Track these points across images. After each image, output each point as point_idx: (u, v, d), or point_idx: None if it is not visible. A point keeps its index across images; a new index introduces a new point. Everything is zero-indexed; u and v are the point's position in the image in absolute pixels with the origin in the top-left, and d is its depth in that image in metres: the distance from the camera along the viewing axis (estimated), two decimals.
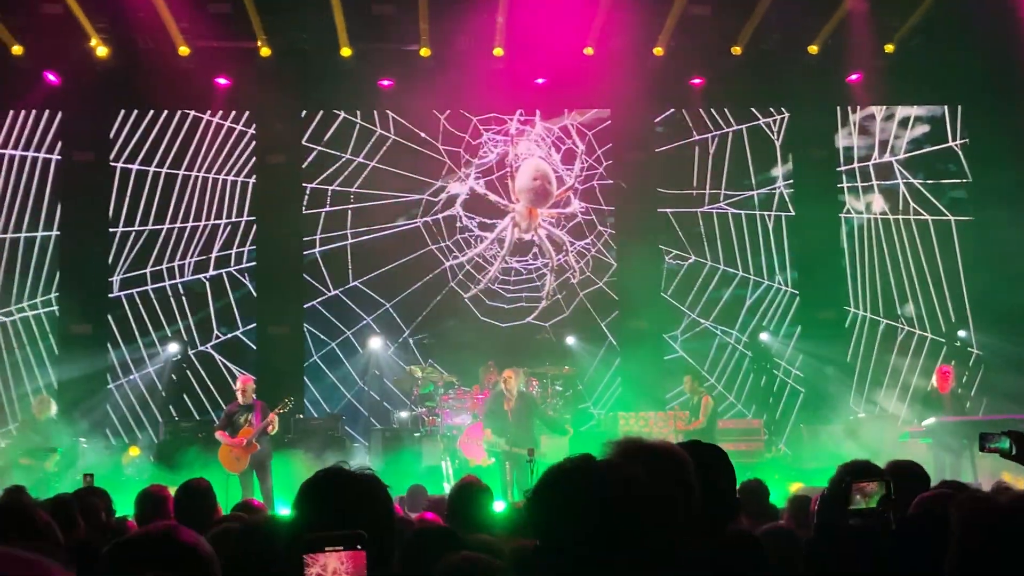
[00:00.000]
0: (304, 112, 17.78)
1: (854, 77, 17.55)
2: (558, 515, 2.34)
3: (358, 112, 17.75)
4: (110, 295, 17.23)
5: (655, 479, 2.39)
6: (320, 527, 2.32)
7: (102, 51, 16.23)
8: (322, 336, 17.51)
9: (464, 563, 3.34)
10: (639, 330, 17.48)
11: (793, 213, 18.09)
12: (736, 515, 3.46)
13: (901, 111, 18.35)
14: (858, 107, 18.25)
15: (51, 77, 16.86)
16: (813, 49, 17.00)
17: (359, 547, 2.24)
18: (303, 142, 17.71)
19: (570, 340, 17.34)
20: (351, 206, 17.72)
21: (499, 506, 7.48)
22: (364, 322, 17.49)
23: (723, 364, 17.68)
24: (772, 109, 18.17)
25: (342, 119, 17.74)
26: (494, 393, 13.92)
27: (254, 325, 17.45)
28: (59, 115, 17.31)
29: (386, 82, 17.34)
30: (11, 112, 17.23)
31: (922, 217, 18.07)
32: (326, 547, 2.24)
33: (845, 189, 18.24)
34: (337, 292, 17.60)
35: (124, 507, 7.46)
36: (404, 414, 16.33)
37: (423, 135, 17.76)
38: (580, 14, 16.17)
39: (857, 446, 14.38)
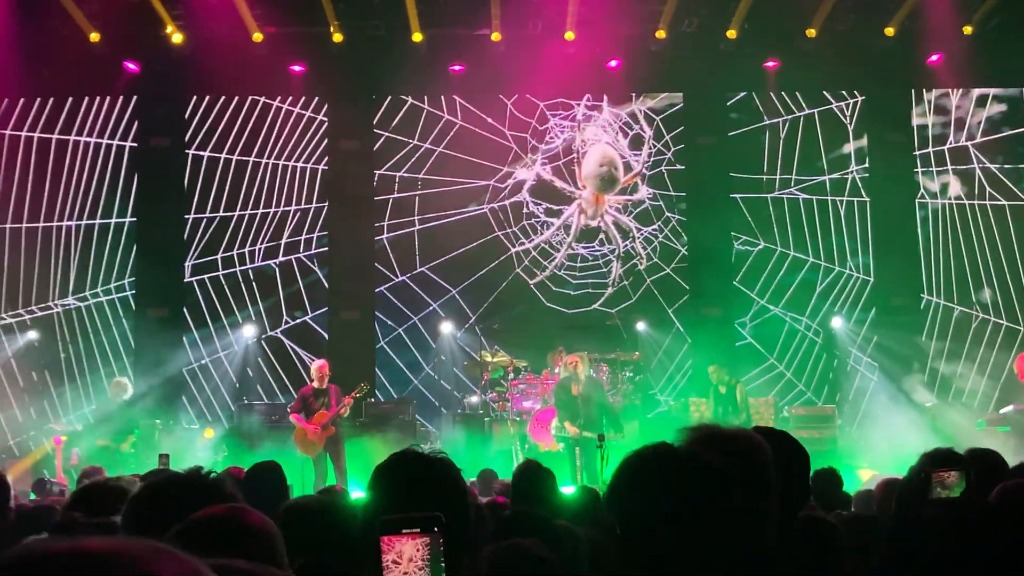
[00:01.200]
0: (374, 96, 17.86)
1: (934, 58, 17.22)
2: (640, 504, 2.32)
3: (426, 97, 17.79)
4: (184, 280, 17.47)
5: (734, 467, 2.37)
6: (394, 509, 2.32)
7: (177, 38, 16.41)
8: (390, 322, 17.61)
9: (515, 551, 3.32)
10: (708, 316, 17.34)
11: (866, 198, 17.84)
12: (807, 502, 3.42)
13: (978, 94, 17.99)
14: (934, 90, 17.93)
15: (131, 66, 17.10)
16: (890, 31, 16.72)
17: (436, 529, 2.24)
18: (373, 128, 17.80)
19: (640, 326, 17.23)
20: (419, 192, 17.78)
21: (568, 490, 7.48)
22: (431, 308, 17.56)
23: (793, 350, 17.50)
24: (845, 92, 17.91)
25: (410, 105, 17.79)
26: (562, 379, 13.92)
27: (324, 310, 17.58)
28: (134, 101, 17.56)
29: (457, 67, 17.36)
30: (86, 98, 17.49)
31: (999, 202, 17.72)
32: (403, 529, 2.24)
33: (920, 173, 17.94)
34: (404, 278, 17.68)
35: None
36: (474, 399, 16.37)
37: (490, 120, 17.76)
38: None
39: (932, 434, 14.19)
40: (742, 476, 2.40)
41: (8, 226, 17.28)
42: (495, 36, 16.52)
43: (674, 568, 2.28)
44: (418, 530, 2.24)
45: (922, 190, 17.92)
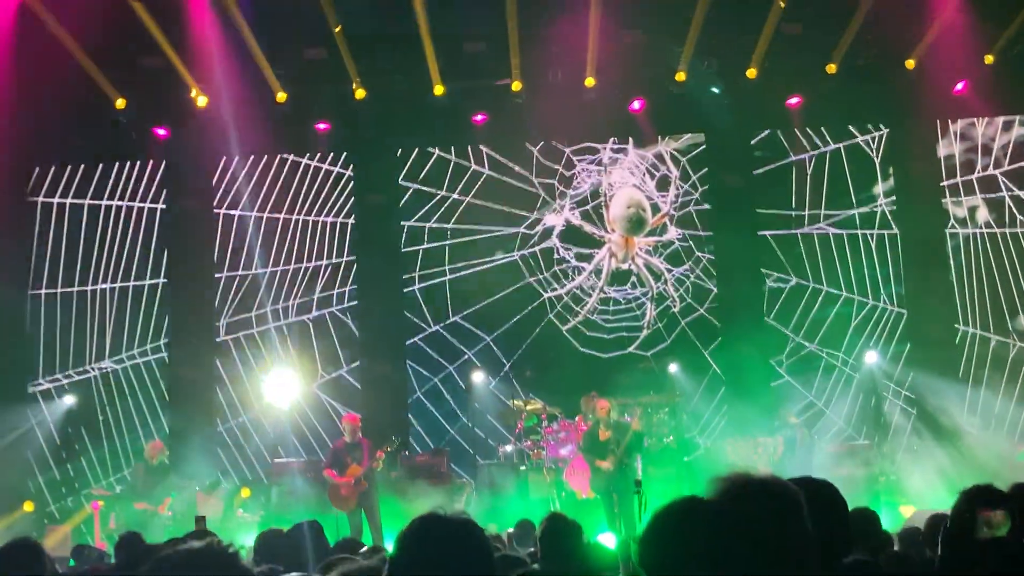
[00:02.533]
0: (400, 151, 17.98)
1: (959, 87, 17.15)
2: (673, 561, 2.30)
3: (452, 148, 17.90)
4: (217, 339, 17.56)
5: (765, 518, 2.34)
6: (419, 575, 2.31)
7: (202, 100, 16.59)
8: (425, 372, 17.61)
9: None
10: (743, 356, 17.19)
11: (896, 230, 17.74)
12: (850, 548, 3.36)
13: (1003, 120, 17.89)
14: (959, 119, 17.84)
15: (160, 131, 17.32)
16: (910, 63, 16.70)
17: None
18: (400, 181, 17.91)
19: (672, 368, 17.13)
20: (448, 242, 17.83)
21: (610, 539, 7.43)
22: (465, 357, 17.56)
23: (831, 387, 17.33)
24: (870, 126, 17.86)
25: (437, 156, 17.90)
26: (588, 430, 13.94)
27: (358, 364, 17.61)
28: (163, 164, 17.75)
29: (479, 117, 17.48)
30: (116, 163, 17.70)
31: None
32: None
33: (949, 204, 17.82)
34: (438, 328, 17.70)
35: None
36: (509, 448, 16.30)
37: (517, 168, 17.82)
38: (671, 40, 16.22)
39: (972, 467, 14.01)
40: (775, 525, 2.37)
41: (43, 291, 17.46)
42: (516, 85, 16.61)
43: None
44: None
45: (952, 220, 17.80)
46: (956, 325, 17.48)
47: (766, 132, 17.92)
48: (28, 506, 16.24)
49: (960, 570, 3.35)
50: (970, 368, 17.28)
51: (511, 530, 10.30)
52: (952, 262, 17.68)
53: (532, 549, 7.08)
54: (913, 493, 14.32)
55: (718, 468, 2.73)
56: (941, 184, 17.83)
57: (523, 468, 15.55)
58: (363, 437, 13.92)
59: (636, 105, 17.38)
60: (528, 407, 16.05)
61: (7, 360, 17.15)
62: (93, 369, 17.38)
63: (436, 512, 2.73)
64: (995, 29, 16.38)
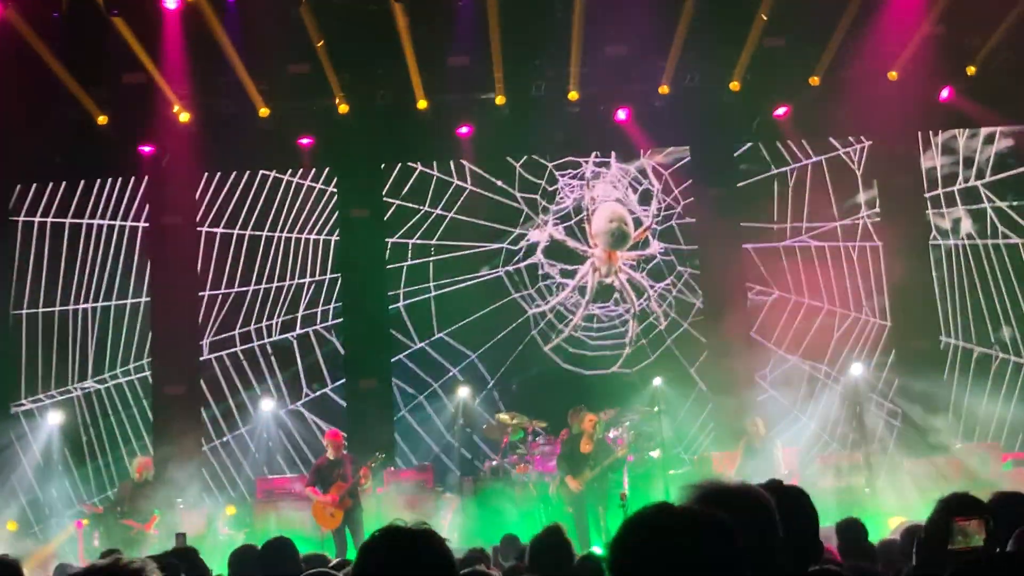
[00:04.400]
0: (383, 165, 17.97)
1: (944, 94, 17.19)
2: (642, 568, 2.27)
3: (435, 163, 17.89)
4: (201, 358, 17.48)
5: (737, 524, 2.32)
6: None
7: (184, 116, 16.56)
8: (409, 389, 17.56)
9: None
10: (728, 371, 17.16)
11: (878, 242, 17.77)
12: (820, 557, 3.34)
13: (985, 132, 17.96)
14: (940, 131, 17.91)
15: (145, 148, 17.26)
16: (892, 75, 16.76)
17: None
18: (383, 196, 17.88)
19: (656, 381, 17.00)
20: (433, 258, 17.81)
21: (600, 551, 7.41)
22: (451, 374, 17.52)
23: (815, 399, 17.32)
24: (852, 139, 17.92)
25: (419, 172, 17.89)
26: (573, 434, 13.86)
27: (343, 381, 17.56)
28: (144, 181, 17.70)
29: (464, 130, 17.45)
30: (98, 181, 17.64)
31: (1012, 240, 17.64)
32: None
33: (931, 215, 17.88)
34: (423, 344, 17.66)
35: (222, 567, 7.50)
36: (495, 463, 16.25)
37: (500, 183, 17.82)
38: (654, 53, 16.26)
39: (958, 477, 14.01)
40: (747, 531, 2.35)
41: (24, 311, 17.38)
42: (499, 100, 16.63)
43: None
44: None
45: (934, 231, 17.85)
46: (940, 336, 17.53)
47: (748, 145, 17.96)
48: (11, 526, 16.11)
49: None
50: (953, 379, 17.31)
51: (496, 545, 10.28)
52: (935, 274, 17.72)
53: (514, 563, 7.05)
54: (900, 505, 14.28)
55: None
56: (923, 196, 17.89)
57: (509, 483, 15.48)
58: (346, 453, 13.84)
59: (622, 115, 17.37)
60: (513, 421, 16.00)
61: None
62: (76, 389, 17.29)
63: (396, 523, 2.72)
64: (977, 40, 16.46)
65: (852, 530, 6.87)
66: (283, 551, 5.59)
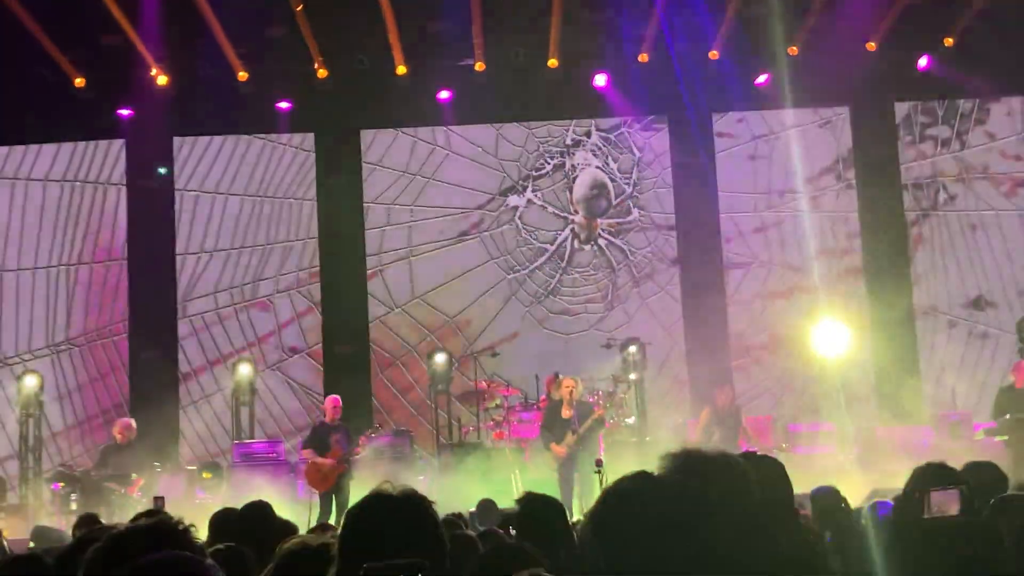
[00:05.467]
0: (363, 131, 17.90)
1: (923, 63, 17.20)
2: (622, 536, 2.29)
3: (415, 129, 17.83)
4: (179, 319, 17.44)
5: (715, 491, 2.34)
6: (368, 552, 2.31)
7: (162, 79, 16.44)
8: (387, 353, 17.57)
9: None
10: (706, 336, 17.26)
11: (856, 211, 17.83)
12: (796, 521, 3.38)
13: (963, 104, 18.01)
14: (919, 102, 17.96)
15: (124, 112, 17.12)
16: (871, 46, 16.76)
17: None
18: (363, 161, 17.83)
19: (632, 348, 17.06)
20: (411, 222, 17.79)
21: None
22: (428, 337, 17.54)
23: (791, 366, 17.38)
24: (832, 108, 17.94)
25: (398, 136, 17.83)
26: (553, 402, 13.87)
27: (320, 344, 17.55)
28: (123, 143, 17.58)
29: (444, 94, 17.37)
30: (75, 143, 17.52)
31: (990, 211, 17.73)
32: None
33: (910, 186, 17.94)
34: (401, 308, 17.66)
35: (201, 531, 7.52)
36: (471, 428, 16.30)
37: (480, 148, 17.79)
38: (636, 20, 16.21)
39: (933, 445, 14.13)
40: (725, 498, 2.37)
41: (1, 271, 17.28)
42: (479, 66, 16.58)
43: None
44: None
45: (913, 200, 17.91)
46: (915, 306, 17.63)
47: (728, 114, 17.96)
48: None
49: (908, 548, 3.36)
50: (928, 348, 17.43)
51: (472, 510, 10.32)
52: (912, 241, 17.81)
53: (488, 528, 7.06)
54: (876, 472, 14.36)
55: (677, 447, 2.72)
56: (900, 166, 17.94)
57: (485, 449, 15.52)
58: (341, 422, 13.91)
59: (601, 81, 17.32)
60: (491, 387, 16.03)
61: None
62: (52, 350, 17.23)
63: (383, 487, 2.72)
64: (955, 11, 16.47)
65: (829, 498, 6.91)
66: (263, 514, 5.61)
